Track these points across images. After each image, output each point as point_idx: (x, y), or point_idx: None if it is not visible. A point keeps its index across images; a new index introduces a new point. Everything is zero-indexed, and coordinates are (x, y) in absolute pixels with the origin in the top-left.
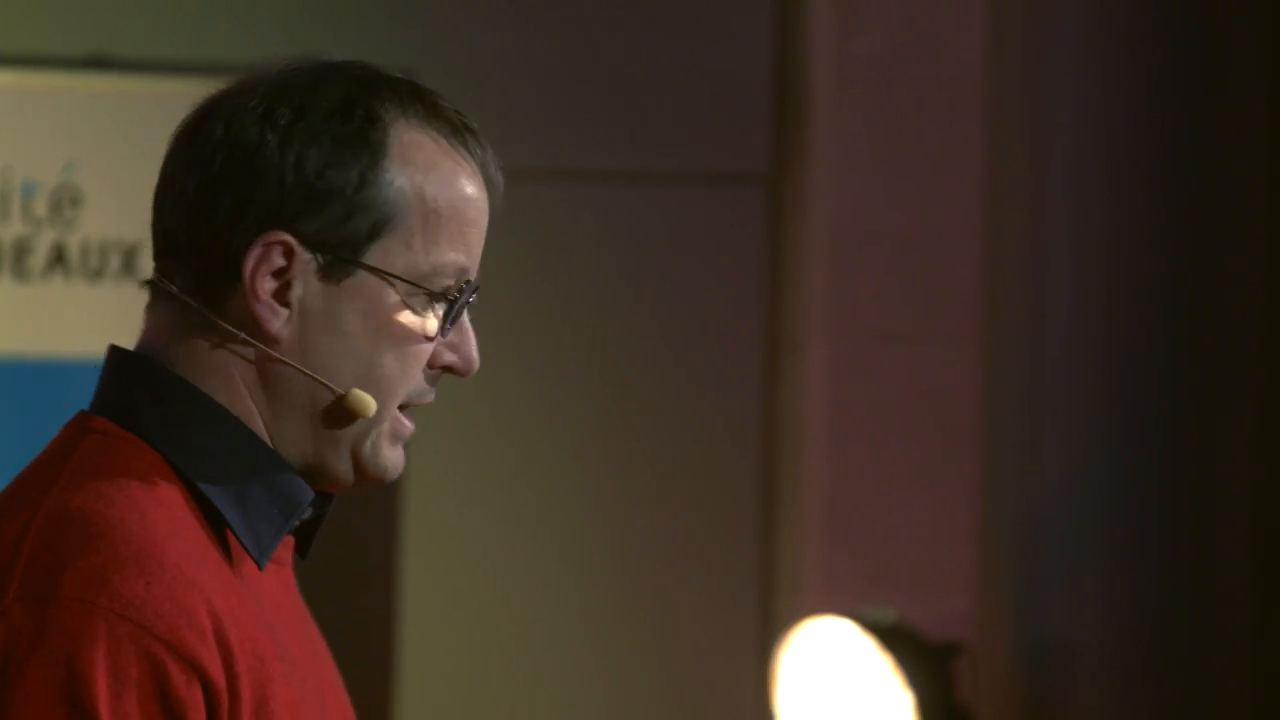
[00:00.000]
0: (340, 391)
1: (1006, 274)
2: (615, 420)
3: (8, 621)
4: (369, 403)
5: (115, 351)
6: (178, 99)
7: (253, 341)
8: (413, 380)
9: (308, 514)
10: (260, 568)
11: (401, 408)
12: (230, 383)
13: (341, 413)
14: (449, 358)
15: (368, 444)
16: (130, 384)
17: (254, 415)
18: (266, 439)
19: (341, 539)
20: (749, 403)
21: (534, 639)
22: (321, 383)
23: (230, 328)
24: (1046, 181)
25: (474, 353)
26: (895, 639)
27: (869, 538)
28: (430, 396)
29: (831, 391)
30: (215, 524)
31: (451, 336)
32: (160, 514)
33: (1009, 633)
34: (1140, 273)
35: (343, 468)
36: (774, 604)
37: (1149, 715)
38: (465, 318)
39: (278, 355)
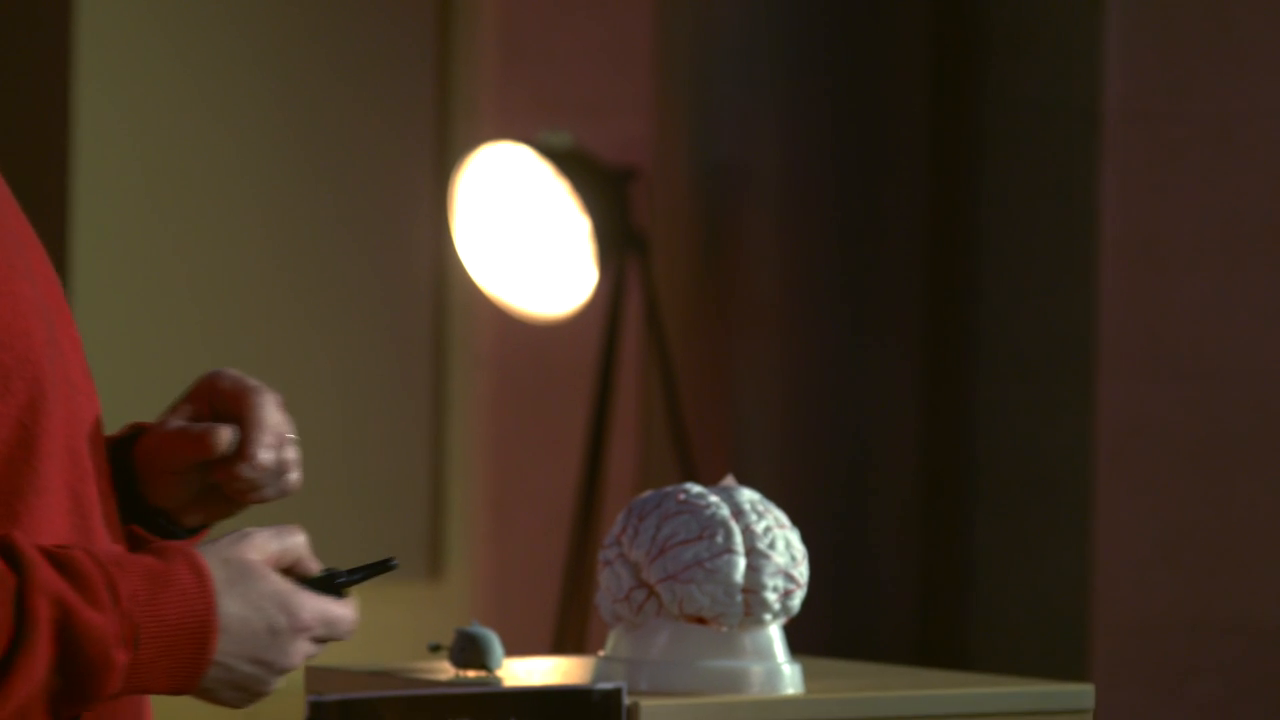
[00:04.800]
0: None
1: None
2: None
3: None
4: None
5: None
6: None
7: None
8: None
9: None
10: None
11: None
12: None
13: None
14: None
15: None
16: None
17: None
18: None
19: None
20: None
21: (203, 172)
22: None
23: None
24: None
25: None
26: (571, 164)
27: (544, 63)
28: None
29: None
30: None
31: None
32: None
33: (684, 156)
34: None
35: None
36: (449, 130)
37: (822, 236)
38: None
39: None
